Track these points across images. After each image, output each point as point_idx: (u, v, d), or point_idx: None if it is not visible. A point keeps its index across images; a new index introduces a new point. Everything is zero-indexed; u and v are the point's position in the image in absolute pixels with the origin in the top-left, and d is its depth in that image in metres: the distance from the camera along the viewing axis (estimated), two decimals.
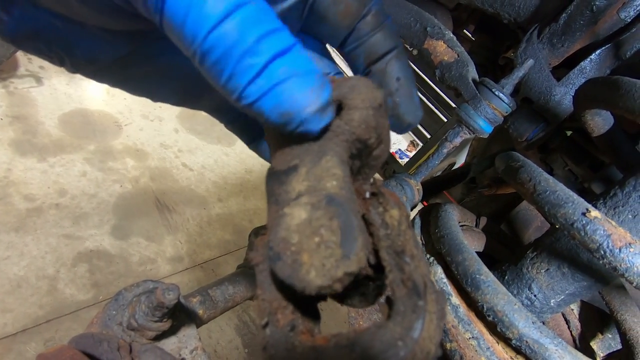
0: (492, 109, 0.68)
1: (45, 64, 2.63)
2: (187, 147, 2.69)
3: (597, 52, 0.68)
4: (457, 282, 0.59)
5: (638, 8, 0.62)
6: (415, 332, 0.18)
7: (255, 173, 2.81)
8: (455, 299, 0.59)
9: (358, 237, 0.19)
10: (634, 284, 0.46)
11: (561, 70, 0.71)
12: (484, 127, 0.68)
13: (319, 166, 0.21)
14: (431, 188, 1.05)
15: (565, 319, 0.74)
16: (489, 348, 0.55)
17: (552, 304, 0.61)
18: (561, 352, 0.49)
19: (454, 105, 3.52)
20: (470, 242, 0.78)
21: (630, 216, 0.54)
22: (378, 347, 0.17)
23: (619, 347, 0.67)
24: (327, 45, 0.31)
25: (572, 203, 0.50)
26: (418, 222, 0.73)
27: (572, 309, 0.75)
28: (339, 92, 0.22)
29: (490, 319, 0.53)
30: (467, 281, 0.56)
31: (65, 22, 0.25)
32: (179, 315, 0.44)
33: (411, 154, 4.20)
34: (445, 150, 0.73)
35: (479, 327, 0.57)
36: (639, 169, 0.55)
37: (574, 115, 0.71)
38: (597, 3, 0.62)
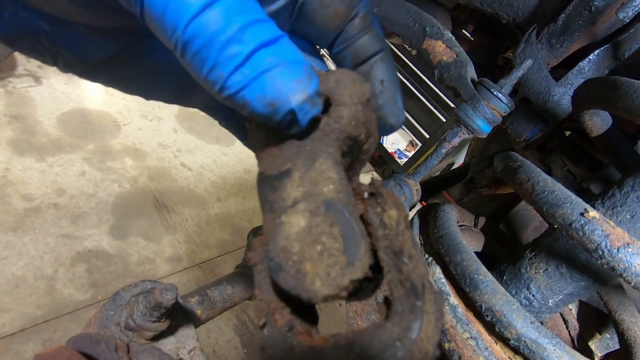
0: (490, 109, 0.68)
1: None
2: (185, 147, 2.69)
3: (596, 52, 0.68)
4: (456, 282, 0.59)
5: (636, 9, 0.62)
6: (413, 332, 0.18)
7: (254, 173, 2.79)
8: (454, 299, 0.59)
9: (361, 242, 0.19)
10: (632, 283, 0.46)
11: (560, 70, 0.71)
12: (483, 127, 0.68)
13: (313, 170, 0.21)
14: (430, 188, 1.06)
15: (564, 319, 0.74)
16: (487, 348, 0.55)
17: (550, 304, 0.61)
18: (559, 352, 0.49)
19: (452, 105, 3.52)
20: (468, 242, 0.78)
21: (628, 216, 0.54)
22: (376, 347, 0.17)
23: (617, 347, 0.68)
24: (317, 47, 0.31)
25: (570, 203, 0.50)
26: (417, 222, 0.73)
27: (571, 309, 0.75)
28: (325, 86, 0.22)
29: (488, 319, 0.53)
30: (465, 281, 0.56)
31: (55, 22, 0.25)
32: (177, 316, 0.43)
33: (410, 154, 4.20)
34: (444, 151, 0.73)
35: (478, 327, 0.57)
36: (637, 169, 0.55)
37: (573, 116, 0.71)
38: (595, 3, 0.62)
